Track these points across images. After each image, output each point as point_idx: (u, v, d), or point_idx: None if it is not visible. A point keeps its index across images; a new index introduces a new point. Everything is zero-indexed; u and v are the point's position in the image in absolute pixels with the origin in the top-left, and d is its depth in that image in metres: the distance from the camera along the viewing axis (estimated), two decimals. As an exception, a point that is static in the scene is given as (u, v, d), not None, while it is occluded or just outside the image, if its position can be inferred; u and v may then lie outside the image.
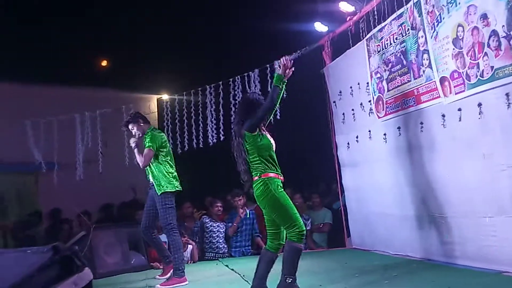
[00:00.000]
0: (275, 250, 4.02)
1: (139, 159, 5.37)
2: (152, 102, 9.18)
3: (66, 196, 6.81)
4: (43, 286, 1.68)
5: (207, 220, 7.07)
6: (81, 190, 7.67)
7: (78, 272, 1.75)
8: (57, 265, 1.73)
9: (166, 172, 5.37)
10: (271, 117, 6.97)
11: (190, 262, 6.80)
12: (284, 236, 3.98)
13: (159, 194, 5.31)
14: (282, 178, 4.06)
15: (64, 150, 7.14)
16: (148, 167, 5.41)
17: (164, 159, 5.40)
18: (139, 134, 5.47)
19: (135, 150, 5.45)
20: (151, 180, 5.46)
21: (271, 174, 3.96)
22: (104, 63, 11.21)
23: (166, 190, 5.31)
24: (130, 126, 5.52)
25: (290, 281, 3.82)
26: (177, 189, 5.42)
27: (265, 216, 4.10)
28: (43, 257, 1.73)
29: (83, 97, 9.01)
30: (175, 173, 5.49)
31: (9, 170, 9.15)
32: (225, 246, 7.04)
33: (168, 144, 5.63)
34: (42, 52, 9.03)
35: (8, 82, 8.53)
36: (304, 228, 3.95)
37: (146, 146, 5.31)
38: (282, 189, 4.00)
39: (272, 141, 4.17)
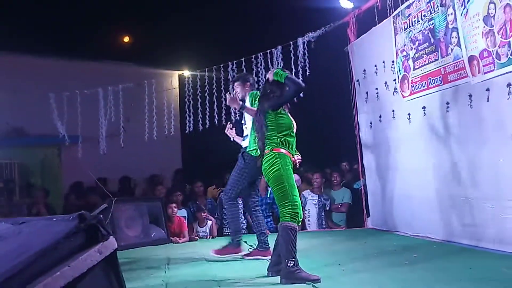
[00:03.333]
0: None
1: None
2: (174, 78, 9.18)
3: (89, 169, 6.88)
4: (69, 253, 1.70)
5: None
6: (103, 164, 7.77)
7: (103, 241, 1.76)
8: (82, 233, 1.75)
9: None
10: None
11: (209, 237, 6.87)
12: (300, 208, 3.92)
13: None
14: (294, 158, 4.01)
15: (87, 124, 7.21)
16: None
17: None
18: (238, 96, 5.10)
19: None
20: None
21: (283, 151, 3.92)
22: (126, 39, 11.23)
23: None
24: (236, 84, 5.20)
25: (292, 265, 3.67)
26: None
27: (273, 193, 4.09)
28: (69, 225, 1.75)
29: (106, 71, 9.08)
30: None
31: (32, 142, 9.31)
32: (244, 222, 7.07)
33: None
34: (66, 26, 9.09)
35: (32, 55, 8.61)
36: (299, 211, 3.85)
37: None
38: (291, 169, 3.94)
39: (293, 122, 4.13)
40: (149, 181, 8.94)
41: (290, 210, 3.80)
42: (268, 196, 7.08)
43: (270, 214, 7.16)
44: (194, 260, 5.13)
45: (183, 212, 7.04)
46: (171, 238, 6.54)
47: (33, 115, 8.30)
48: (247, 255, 5.00)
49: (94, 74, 8.88)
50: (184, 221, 6.85)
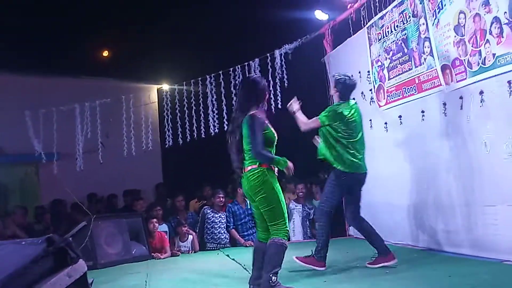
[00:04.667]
0: (267, 240, 3.88)
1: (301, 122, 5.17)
2: (152, 92, 9.14)
3: (67, 186, 6.79)
4: (37, 277, 1.67)
5: (208, 211, 7.07)
6: (81, 181, 7.68)
7: (72, 264, 1.73)
8: (51, 256, 1.72)
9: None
10: (273, 107, 7.04)
11: (191, 252, 6.82)
12: None
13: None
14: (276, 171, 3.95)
15: (64, 141, 7.12)
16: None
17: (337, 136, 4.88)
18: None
19: (297, 113, 5.17)
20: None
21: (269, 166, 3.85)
22: (105, 53, 11.16)
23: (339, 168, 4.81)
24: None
25: (274, 279, 3.68)
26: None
27: (253, 209, 4.02)
28: (37, 248, 1.71)
29: (83, 87, 8.99)
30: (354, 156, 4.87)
31: (10, 161, 9.17)
32: (227, 236, 7.05)
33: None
34: (43, 42, 8.99)
35: (8, 73, 8.50)
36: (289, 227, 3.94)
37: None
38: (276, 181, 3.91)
39: (275, 135, 4.01)
40: (126, 196, 8.84)
41: (284, 227, 3.80)
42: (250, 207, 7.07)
43: (254, 225, 7.14)
44: (175, 276, 5.07)
45: (164, 227, 6.99)
46: (153, 254, 6.47)
47: (11, 133, 8.17)
48: (300, 259, 4.85)
49: (71, 89, 8.79)
50: (166, 236, 6.79)
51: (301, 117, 5.16)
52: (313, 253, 4.78)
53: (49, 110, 7.06)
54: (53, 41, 9.26)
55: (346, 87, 4.95)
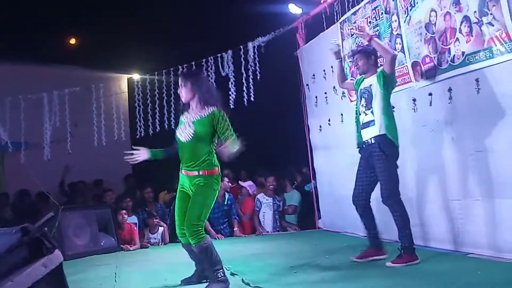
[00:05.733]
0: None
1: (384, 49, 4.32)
2: (123, 82, 9.02)
3: (34, 176, 6.64)
4: (12, 268, 1.64)
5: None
6: (49, 171, 7.52)
7: (47, 254, 1.70)
8: (25, 246, 1.69)
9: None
10: (245, 99, 7.05)
11: (161, 244, 6.79)
12: None
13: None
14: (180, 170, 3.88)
15: (31, 130, 6.95)
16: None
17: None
18: (358, 69, 4.57)
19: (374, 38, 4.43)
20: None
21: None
22: (72, 41, 10.92)
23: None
24: (357, 56, 4.52)
25: (221, 274, 3.69)
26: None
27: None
28: (11, 238, 1.68)
29: (52, 75, 8.78)
30: None
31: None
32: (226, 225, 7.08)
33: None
34: (9, 29, 8.73)
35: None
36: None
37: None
38: (180, 184, 3.89)
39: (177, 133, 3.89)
40: (94, 186, 8.73)
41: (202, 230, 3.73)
42: (226, 203, 7.09)
43: (226, 220, 7.17)
44: (145, 268, 5.05)
45: (133, 219, 6.93)
46: (122, 245, 6.41)
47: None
48: (359, 257, 4.48)
49: (39, 77, 8.57)
50: (135, 228, 6.74)
51: (381, 42, 4.50)
52: (402, 251, 4.20)
53: (16, 97, 6.88)
54: (21, 27, 9.01)
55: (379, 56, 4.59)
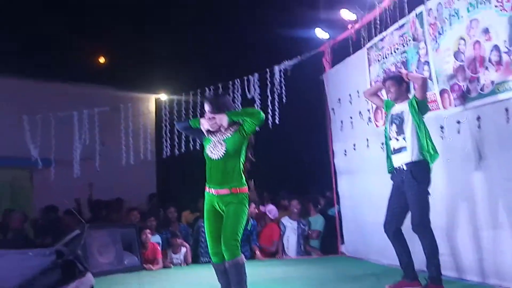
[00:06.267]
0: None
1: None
2: (151, 102, 9.18)
3: (61, 193, 6.78)
4: (46, 290, 1.68)
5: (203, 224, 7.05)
6: (77, 188, 7.65)
7: (80, 277, 1.74)
8: (59, 268, 1.72)
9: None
10: (270, 122, 7.09)
11: (184, 265, 6.80)
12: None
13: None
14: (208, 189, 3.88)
15: (60, 147, 7.11)
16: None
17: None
18: (390, 96, 4.53)
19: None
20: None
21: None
22: (102, 59, 11.20)
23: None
24: (388, 83, 4.51)
25: None
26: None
27: None
28: (45, 260, 1.72)
29: (81, 93, 9.00)
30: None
31: (3, 164, 9.10)
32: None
33: None
34: (42, 48, 9.02)
35: (7, 76, 8.50)
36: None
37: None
38: (206, 204, 3.90)
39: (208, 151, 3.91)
40: (115, 205, 8.78)
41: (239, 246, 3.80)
42: (249, 228, 7.08)
43: (247, 243, 7.15)
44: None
45: (157, 238, 6.96)
46: (145, 265, 6.44)
47: (4, 136, 8.15)
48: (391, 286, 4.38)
49: (69, 96, 8.81)
50: (158, 248, 6.77)
51: (413, 74, 4.60)
52: (429, 281, 4.15)
53: (46, 116, 7.06)
54: (52, 46, 9.30)
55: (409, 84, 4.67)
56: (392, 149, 4.42)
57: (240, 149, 3.82)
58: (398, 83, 4.43)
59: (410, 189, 4.20)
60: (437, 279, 4.11)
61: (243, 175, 3.83)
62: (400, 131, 4.35)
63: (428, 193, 4.22)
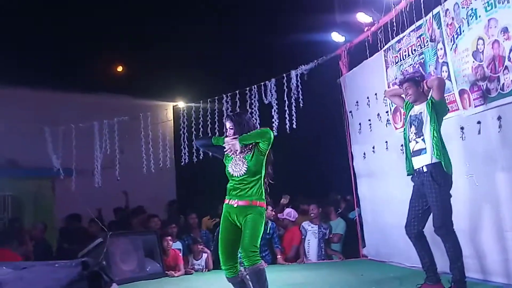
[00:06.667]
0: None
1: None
2: (169, 110, 9.25)
3: (83, 202, 6.87)
4: (72, 301, 1.71)
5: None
6: (98, 197, 7.74)
7: (106, 288, 1.77)
8: (85, 280, 1.75)
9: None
10: (287, 127, 7.09)
11: (205, 271, 6.82)
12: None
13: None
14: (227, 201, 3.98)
15: (81, 157, 7.22)
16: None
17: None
18: (409, 98, 4.45)
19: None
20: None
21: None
22: (119, 68, 11.34)
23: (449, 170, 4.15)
24: (405, 85, 4.42)
25: None
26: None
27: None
28: (71, 271, 1.75)
29: (100, 103, 9.13)
30: None
31: (26, 174, 9.27)
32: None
33: None
34: (61, 58, 9.16)
35: (29, 88, 8.65)
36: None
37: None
38: (224, 215, 3.97)
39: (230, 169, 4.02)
40: (135, 213, 8.84)
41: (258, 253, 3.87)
42: (268, 232, 7.07)
43: (267, 248, 7.14)
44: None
45: (178, 245, 7.00)
46: (167, 271, 6.48)
47: (26, 147, 8.29)
48: None
49: (89, 106, 8.92)
50: (179, 254, 6.80)
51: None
52: (453, 284, 4.13)
53: (68, 126, 7.18)
54: (71, 56, 9.45)
55: None
56: (411, 150, 4.38)
57: (261, 166, 3.95)
58: (416, 84, 4.37)
59: (431, 191, 4.16)
60: (461, 281, 4.07)
61: (263, 190, 3.95)
62: (419, 132, 4.32)
63: (449, 195, 4.17)
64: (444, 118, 4.48)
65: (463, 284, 4.07)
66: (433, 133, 4.18)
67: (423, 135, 4.28)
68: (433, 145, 4.17)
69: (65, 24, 9.29)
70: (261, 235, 3.87)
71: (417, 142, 4.32)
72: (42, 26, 8.98)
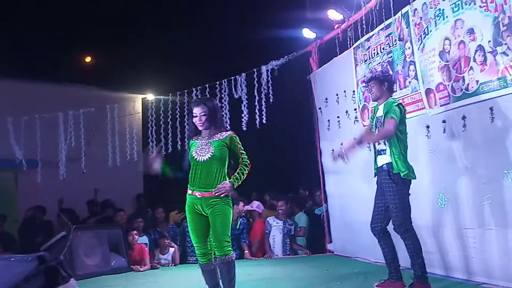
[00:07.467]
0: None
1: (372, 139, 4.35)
2: (137, 102, 9.09)
3: (47, 194, 6.70)
4: (29, 297, 1.65)
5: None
6: (63, 189, 7.57)
7: (63, 283, 1.71)
8: (42, 275, 1.70)
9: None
10: (257, 121, 7.09)
11: (172, 265, 6.77)
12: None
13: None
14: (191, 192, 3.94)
15: (46, 148, 7.03)
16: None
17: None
18: (372, 95, 4.48)
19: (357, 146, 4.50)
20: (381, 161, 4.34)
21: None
22: (88, 59, 11.11)
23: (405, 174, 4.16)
24: (370, 83, 4.42)
25: None
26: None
27: None
28: (28, 266, 1.70)
29: (66, 95, 8.87)
30: None
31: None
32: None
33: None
34: (26, 48, 8.90)
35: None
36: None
37: (388, 116, 4.20)
38: (189, 206, 3.95)
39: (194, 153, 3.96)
40: (103, 206, 8.72)
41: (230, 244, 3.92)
42: (238, 227, 7.06)
43: (236, 243, 7.12)
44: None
45: (144, 239, 6.92)
46: (132, 266, 6.40)
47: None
48: (378, 285, 4.40)
49: (55, 96, 8.67)
50: (146, 248, 6.72)
51: (366, 139, 4.49)
52: (415, 280, 4.17)
53: (31, 117, 6.98)
54: (37, 47, 9.19)
55: (393, 82, 4.67)
56: (376, 150, 4.44)
57: (226, 155, 3.93)
58: (380, 82, 4.37)
59: (388, 190, 4.22)
60: (422, 277, 4.14)
61: (227, 179, 3.91)
62: None
63: (407, 194, 4.22)
64: (410, 117, 4.55)
65: (425, 280, 4.14)
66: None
67: None
68: (391, 148, 4.20)
69: (32, 11, 9.03)
70: (230, 224, 3.89)
71: (379, 143, 4.36)
72: (7, 13, 8.70)
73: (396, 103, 4.22)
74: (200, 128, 3.96)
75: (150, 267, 6.53)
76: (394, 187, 4.17)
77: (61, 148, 7.06)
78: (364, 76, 5.86)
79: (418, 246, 4.18)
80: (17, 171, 8.47)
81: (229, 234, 3.85)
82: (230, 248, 3.81)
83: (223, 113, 6.96)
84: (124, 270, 6.27)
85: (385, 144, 4.28)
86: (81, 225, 6.89)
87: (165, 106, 7.53)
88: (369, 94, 4.60)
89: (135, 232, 6.64)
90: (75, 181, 7.55)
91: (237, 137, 4.01)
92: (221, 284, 3.92)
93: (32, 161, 7.13)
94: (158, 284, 5.44)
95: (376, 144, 4.39)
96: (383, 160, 4.31)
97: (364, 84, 5.28)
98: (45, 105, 7.62)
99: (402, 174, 4.13)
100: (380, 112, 4.36)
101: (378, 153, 4.39)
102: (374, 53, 5.76)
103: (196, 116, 3.93)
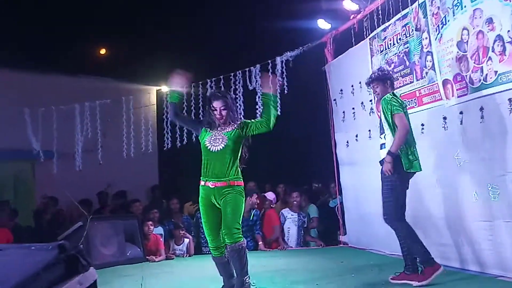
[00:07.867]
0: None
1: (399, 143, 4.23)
2: (152, 94, 9.14)
3: (64, 185, 6.77)
4: (49, 285, 1.68)
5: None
6: (79, 180, 7.65)
7: (83, 272, 1.74)
8: (62, 264, 1.72)
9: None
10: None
11: (186, 256, 6.82)
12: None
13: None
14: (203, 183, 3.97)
15: (62, 140, 7.11)
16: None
17: None
18: (377, 96, 4.59)
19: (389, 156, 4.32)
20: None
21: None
22: (102, 51, 11.17)
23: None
24: (373, 84, 4.51)
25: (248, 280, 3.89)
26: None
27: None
28: (48, 254, 1.72)
29: (83, 87, 8.95)
30: None
31: (5, 157, 9.09)
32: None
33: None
34: (43, 40, 8.98)
35: (8, 69, 8.46)
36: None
37: (394, 111, 4.25)
38: (202, 198, 3.99)
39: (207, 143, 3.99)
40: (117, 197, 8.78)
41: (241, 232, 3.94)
42: (251, 218, 7.08)
43: (250, 234, 7.14)
44: (171, 281, 5.08)
45: (159, 230, 6.98)
46: (147, 256, 6.46)
47: (6, 129, 8.13)
48: (393, 278, 4.38)
49: (71, 88, 8.74)
50: (161, 239, 6.78)
51: (394, 146, 4.26)
52: (423, 266, 4.21)
53: (48, 108, 7.05)
54: (54, 39, 9.27)
55: (394, 78, 4.77)
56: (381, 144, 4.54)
57: (239, 145, 3.96)
58: (382, 81, 4.46)
59: (383, 182, 4.35)
60: (428, 261, 4.16)
61: (240, 171, 3.96)
62: (381, 129, 4.51)
63: (400, 186, 4.26)
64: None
65: (432, 263, 4.14)
66: (390, 130, 4.29)
67: (384, 132, 4.44)
68: (391, 140, 4.28)
69: (48, 5, 9.09)
70: (242, 213, 3.91)
71: (381, 138, 4.52)
72: (24, 6, 8.79)
73: (389, 97, 4.32)
74: (218, 122, 3.98)
75: (165, 258, 6.59)
76: (388, 180, 4.29)
77: (77, 139, 7.12)
78: (367, 80, 5.81)
79: (412, 236, 4.23)
80: (34, 162, 8.56)
81: (240, 222, 3.86)
82: (240, 235, 3.82)
83: (238, 104, 6.95)
84: (139, 260, 6.33)
85: (384, 138, 4.41)
86: (98, 215, 6.95)
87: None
88: (374, 94, 4.70)
89: (150, 222, 6.69)
90: (91, 172, 7.63)
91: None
92: (235, 274, 3.94)
93: (49, 152, 7.21)
94: (173, 274, 5.49)
95: (380, 138, 4.53)
96: (383, 153, 4.41)
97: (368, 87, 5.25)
98: (61, 97, 7.69)
99: (407, 167, 4.22)
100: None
101: (380, 147, 4.52)
102: (390, 44, 5.70)
103: (216, 110, 3.95)
